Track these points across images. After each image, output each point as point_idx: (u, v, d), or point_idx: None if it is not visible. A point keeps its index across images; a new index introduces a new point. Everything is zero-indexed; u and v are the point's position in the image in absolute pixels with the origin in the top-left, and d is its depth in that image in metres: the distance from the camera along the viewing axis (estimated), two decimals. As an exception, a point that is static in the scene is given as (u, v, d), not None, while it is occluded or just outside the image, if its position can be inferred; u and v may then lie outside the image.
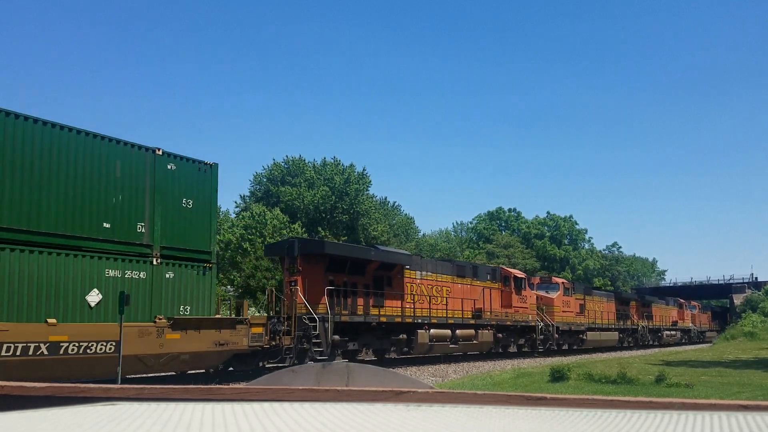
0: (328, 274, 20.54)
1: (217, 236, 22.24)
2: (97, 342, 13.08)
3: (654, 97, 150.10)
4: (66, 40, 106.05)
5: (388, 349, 22.99)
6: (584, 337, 35.69)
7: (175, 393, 1.36)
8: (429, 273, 24.87)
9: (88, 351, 12.94)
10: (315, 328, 19.05)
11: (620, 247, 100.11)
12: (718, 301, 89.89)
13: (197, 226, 15.88)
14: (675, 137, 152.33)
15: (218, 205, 20.03)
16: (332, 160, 57.99)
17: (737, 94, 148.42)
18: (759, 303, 60.29)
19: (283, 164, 56.60)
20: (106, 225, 13.97)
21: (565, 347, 34.24)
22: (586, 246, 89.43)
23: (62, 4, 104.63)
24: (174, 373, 16.12)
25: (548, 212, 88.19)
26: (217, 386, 1.49)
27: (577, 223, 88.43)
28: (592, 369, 18.80)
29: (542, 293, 33.42)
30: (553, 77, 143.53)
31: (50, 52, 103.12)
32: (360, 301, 21.47)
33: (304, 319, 19.02)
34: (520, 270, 36.96)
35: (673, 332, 51.54)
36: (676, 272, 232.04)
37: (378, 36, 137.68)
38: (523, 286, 30.41)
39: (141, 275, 14.42)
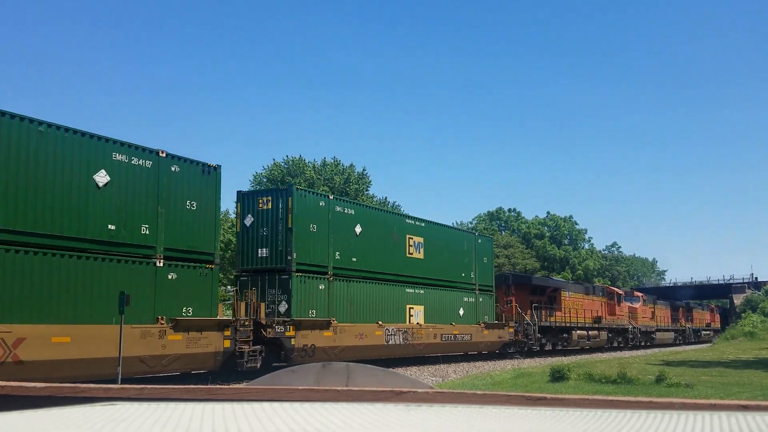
0: (530, 295, 32.92)
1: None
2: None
3: (654, 98, 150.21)
4: (66, 39, 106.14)
5: (557, 343, 34.86)
6: (654, 336, 47.71)
7: (175, 393, 1.36)
8: (572, 293, 37.09)
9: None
10: (530, 329, 31.60)
11: (620, 247, 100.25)
12: (718, 301, 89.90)
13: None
14: (675, 137, 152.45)
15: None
16: (332, 160, 58.01)
17: (737, 94, 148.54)
18: (759, 303, 60.30)
19: (283, 164, 56.60)
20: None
21: (642, 344, 45.36)
22: (586, 246, 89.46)
23: (62, 3, 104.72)
24: (175, 373, 16.15)
25: (548, 212, 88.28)
26: (217, 386, 1.49)
27: (577, 223, 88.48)
28: (592, 369, 18.80)
29: (629, 304, 44.67)
30: (553, 77, 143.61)
31: (49, 51, 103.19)
32: (544, 313, 33.46)
33: (524, 323, 31.35)
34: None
35: (707, 331, 64.62)
36: (676, 272, 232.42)
37: (378, 36, 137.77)
38: (620, 300, 42.78)
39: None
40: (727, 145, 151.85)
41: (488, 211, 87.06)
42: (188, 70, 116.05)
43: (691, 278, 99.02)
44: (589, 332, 36.99)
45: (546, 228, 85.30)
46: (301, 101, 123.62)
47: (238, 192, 20.93)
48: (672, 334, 52.76)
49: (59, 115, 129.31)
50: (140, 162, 14.95)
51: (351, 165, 57.86)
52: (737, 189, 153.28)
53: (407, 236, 24.71)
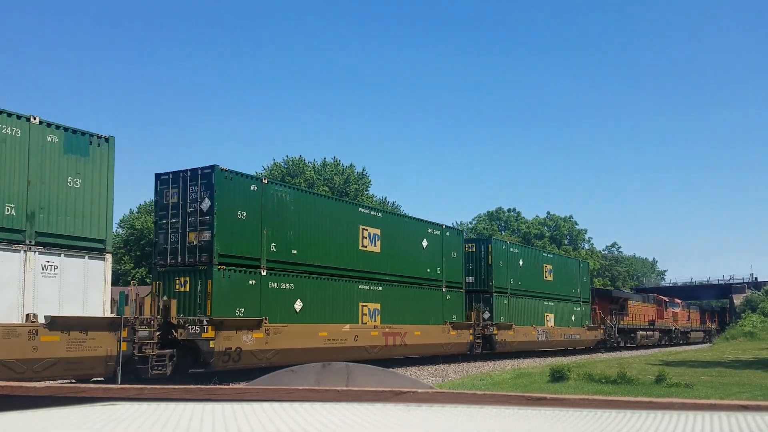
0: (609, 305, 42.99)
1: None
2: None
3: (654, 98, 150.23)
4: (66, 40, 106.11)
5: (627, 341, 43.78)
6: (689, 336, 57.38)
7: (175, 393, 1.36)
8: (635, 302, 47.56)
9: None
10: (612, 330, 41.36)
11: (620, 247, 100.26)
12: (718, 301, 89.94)
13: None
14: (675, 137, 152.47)
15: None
16: (332, 160, 58.01)
17: (737, 94, 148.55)
18: (759, 303, 60.33)
19: (283, 164, 56.60)
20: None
21: (681, 342, 54.31)
22: (586, 246, 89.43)
23: (63, 4, 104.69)
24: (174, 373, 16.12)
25: (548, 212, 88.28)
26: (217, 386, 1.50)
27: (577, 223, 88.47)
28: (592, 369, 18.81)
29: (673, 309, 55.49)
30: (553, 77, 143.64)
31: (48, 51, 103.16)
32: (617, 318, 43.01)
33: (608, 326, 41.15)
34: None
35: None
36: (676, 272, 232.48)
37: (378, 36, 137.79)
38: (666, 306, 53.76)
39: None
40: (727, 144, 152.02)
41: (488, 211, 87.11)
42: (188, 71, 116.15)
43: (691, 278, 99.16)
44: (647, 332, 47.30)
45: (546, 228, 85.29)
46: (301, 101, 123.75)
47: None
48: (702, 334, 62.35)
49: (59, 114, 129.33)
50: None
51: (351, 165, 57.87)
52: (737, 189, 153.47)
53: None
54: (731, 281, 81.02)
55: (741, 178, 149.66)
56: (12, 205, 12.56)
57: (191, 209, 17.52)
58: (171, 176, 18.01)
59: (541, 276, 33.70)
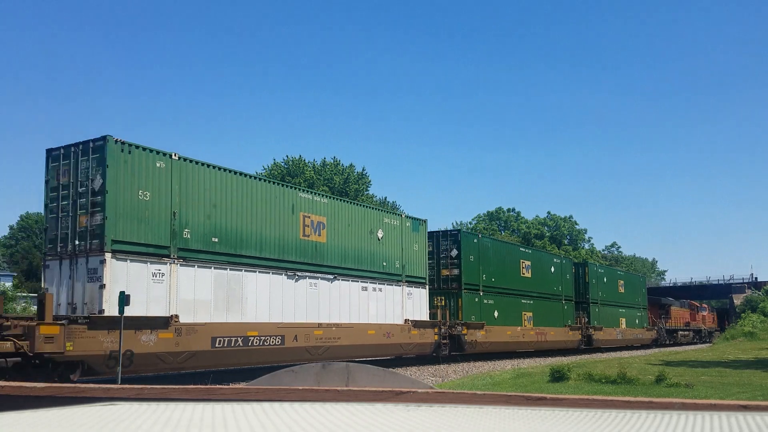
0: (658, 310, 53.78)
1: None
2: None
3: (654, 98, 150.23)
4: (66, 40, 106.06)
5: (670, 340, 52.89)
6: (713, 335, 64.91)
7: (175, 393, 1.36)
8: (675, 307, 57.45)
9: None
10: (662, 331, 51.70)
11: (620, 248, 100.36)
12: (718, 301, 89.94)
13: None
14: (675, 137, 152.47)
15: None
16: (332, 161, 58.01)
17: (737, 95, 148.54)
18: (759, 303, 60.35)
19: (283, 164, 56.60)
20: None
21: (707, 340, 61.67)
22: (586, 246, 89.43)
23: (64, 5, 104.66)
24: (174, 373, 16.11)
25: (548, 212, 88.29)
26: (217, 386, 1.49)
27: (577, 223, 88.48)
28: (592, 369, 18.80)
29: (701, 313, 65.62)
30: (553, 78, 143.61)
31: (48, 52, 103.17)
32: (664, 320, 53.36)
33: (659, 327, 51.58)
34: None
35: None
36: (676, 272, 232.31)
37: (378, 36, 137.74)
38: (697, 310, 63.85)
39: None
40: (727, 144, 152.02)
41: (488, 212, 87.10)
42: (189, 71, 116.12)
43: (691, 278, 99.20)
44: (684, 332, 57.15)
45: (546, 228, 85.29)
46: (301, 101, 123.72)
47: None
48: (719, 333, 70.19)
49: (60, 117, 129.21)
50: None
51: (351, 165, 57.87)
52: (737, 189, 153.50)
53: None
54: (731, 281, 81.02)
55: (741, 178, 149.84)
56: (399, 262, 24.33)
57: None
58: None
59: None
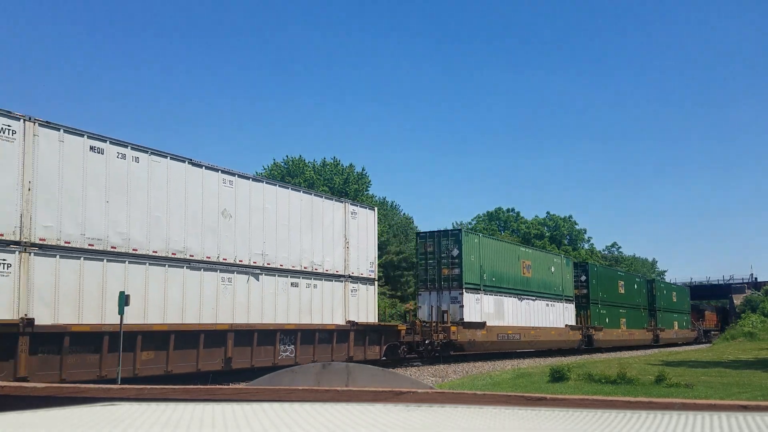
0: (696, 313, 68.37)
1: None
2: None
3: (654, 98, 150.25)
4: (63, 40, 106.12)
5: (704, 338, 62.96)
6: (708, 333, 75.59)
7: (175, 393, 1.36)
8: (708, 311, 74.36)
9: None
10: (700, 331, 65.07)
11: (620, 248, 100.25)
12: (718, 301, 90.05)
13: None
14: (675, 137, 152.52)
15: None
16: (332, 161, 58.00)
17: (737, 94, 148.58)
18: (759, 303, 60.40)
19: (282, 164, 56.59)
20: None
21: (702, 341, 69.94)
22: (586, 246, 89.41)
23: (61, 4, 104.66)
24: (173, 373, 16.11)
25: (548, 212, 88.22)
26: (217, 386, 1.50)
27: (576, 223, 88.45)
28: (592, 369, 18.80)
29: (710, 313, 78.06)
30: (552, 77, 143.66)
31: (45, 52, 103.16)
32: (701, 322, 68.39)
33: (698, 328, 65.23)
34: None
35: None
36: (676, 272, 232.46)
37: (378, 37, 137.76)
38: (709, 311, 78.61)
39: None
40: (727, 144, 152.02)
41: (487, 212, 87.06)
42: (189, 71, 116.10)
43: (691, 278, 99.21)
44: (714, 333, 66.78)
45: (546, 228, 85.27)
46: (301, 101, 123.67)
47: None
48: None
49: (60, 118, 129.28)
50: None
51: (350, 165, 57.84)
52: (737, 189, 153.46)
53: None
54: (731, 281, 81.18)
55: (741, 177, 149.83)
56: (561, 287, 35.21)
57: None
58: None
59: (671, 299, 56.50)
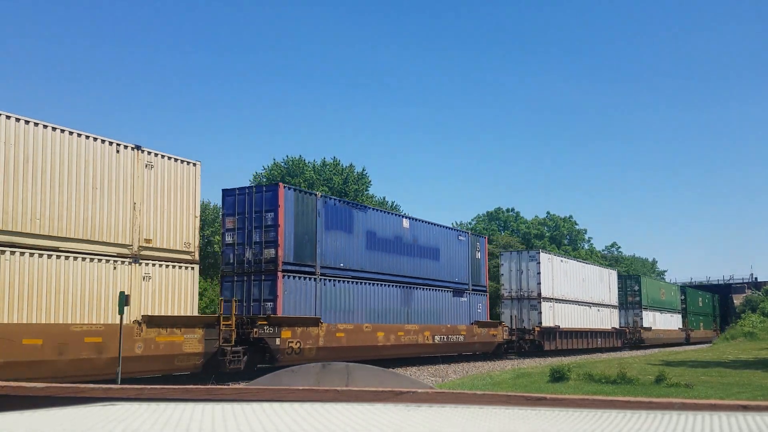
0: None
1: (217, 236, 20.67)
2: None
3: (654, 97, 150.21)
4: (61, 38, 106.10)
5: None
6: None
7: (175, 393, 1.36)
8: None
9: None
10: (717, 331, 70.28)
11: (620, 248, 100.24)
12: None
13: None
14: (675, 137, 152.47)
15: (209, 202, 17.99)
16: (332, 161, 57.99)
17: (737, 94, 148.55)
18: (759, 303, 60.43)
19: (282, 164, 56.58)
20: None
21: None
22: (586, 246, 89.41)
23: (60, 5, 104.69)
24: (174, 374, 16.11)
25: (548, 212, 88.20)
26: (217, 386, 1.50)
27: (576, 224, 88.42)
28: (592, 369, 18.81)
29: None
30: (552, 76, 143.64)
31: (45, 53, 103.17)
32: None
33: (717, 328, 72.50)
34: None
35: None
36: (676, 272, 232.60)
37: (379, 36, 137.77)
38: None
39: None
40: (727, 144, 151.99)
41: (487, 212, 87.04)
42: (188, 70, 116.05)
43: (691, 278, 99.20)
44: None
45: (546, 228, 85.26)
46: (301, 101, 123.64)
47: None
48: None
49: (57, 114, 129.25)
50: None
51: (350, 165, 57.84)
52: (737, 188, 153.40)
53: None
54: (731, 281, 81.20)
55: (741, 177, 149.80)
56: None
57: None
58: None
59: (697, 304, 65.47)
